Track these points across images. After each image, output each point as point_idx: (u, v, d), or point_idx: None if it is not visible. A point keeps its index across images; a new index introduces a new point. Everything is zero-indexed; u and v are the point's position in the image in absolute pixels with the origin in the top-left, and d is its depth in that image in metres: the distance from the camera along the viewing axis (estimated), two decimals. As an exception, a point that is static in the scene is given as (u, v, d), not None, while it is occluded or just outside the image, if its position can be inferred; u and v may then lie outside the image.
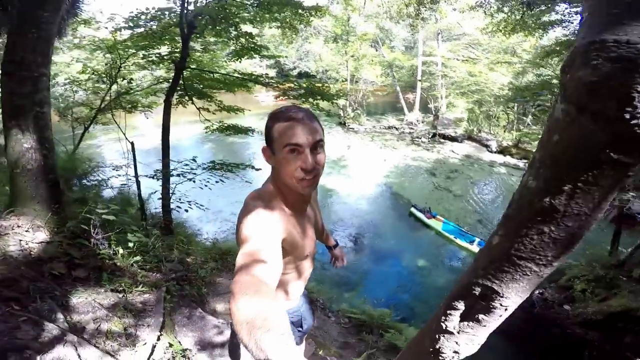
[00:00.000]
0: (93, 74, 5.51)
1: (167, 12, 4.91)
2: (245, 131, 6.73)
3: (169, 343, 2.01)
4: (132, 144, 4.79)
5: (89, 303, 1.93)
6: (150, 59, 5.16)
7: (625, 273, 5.97)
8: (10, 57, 2.45)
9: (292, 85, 6.38)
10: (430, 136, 17.83)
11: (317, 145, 0.99)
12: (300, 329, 1.40)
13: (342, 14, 18.65)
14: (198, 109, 6.27)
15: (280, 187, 1.06)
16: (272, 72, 28.22)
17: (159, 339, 1.95)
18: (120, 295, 2.37)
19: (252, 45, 5.65)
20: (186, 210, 5.47)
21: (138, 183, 5.07)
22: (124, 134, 4.96)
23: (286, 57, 27.91)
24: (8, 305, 1.56)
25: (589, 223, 0.48)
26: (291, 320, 1.30)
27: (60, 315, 1.65)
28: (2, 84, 2.52)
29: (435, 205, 10.63)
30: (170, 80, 5.31)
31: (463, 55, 18.35)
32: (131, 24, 4.77)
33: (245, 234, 0.89)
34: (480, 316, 0.68)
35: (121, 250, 3.07)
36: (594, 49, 0.38)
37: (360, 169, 13.74)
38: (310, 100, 5.97)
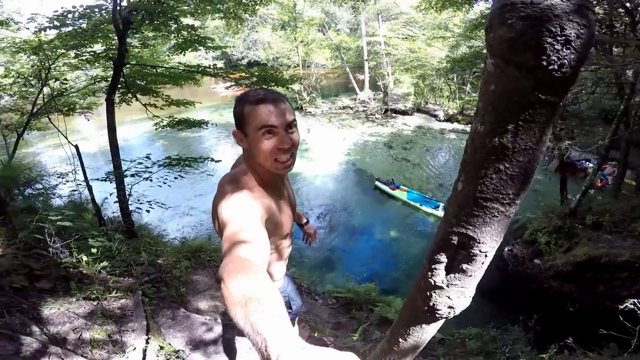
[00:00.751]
0: (18, 77, 4.95)
1: (97, 10, 4.53)
2: (198, 124, 6.50)
3: (159, 346, 1.96)
4: (76, 147, 4.43)
5: (63, 314, 1.82)
6: (83, 57, 4.74)
7: (579, 221, 6.51)
8: None
9: (243, 74, 6.23)
10: (382, 112, 18.41)
11: (291, 125, 0.99)
12: (289, 310, 1.39)
13: (287, 1, 18.31)
14: (144, 105, 5.89)
15: (255, 168, 1.05)
16: (219, 64, 27.08)
17: (147, 342, 1.91)
18: (95, 303, 2.25)
19: (195, 38, 5.40)
20: (147, 211, 5.21)
21: (89, 188, 4.72)
22: (66, 138, 4.58)
23: (233, 47, 26.87)
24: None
25: (536, 157, 0.54)
26: None
27: (35, 328, 1.54)
28: None
29: (397, 176, 11.09)
30: (110, 79, 4.94)
31: (402, 33, 18.94)
32: (57, 23, 4.32)
33: (227, 217, 0.86)
34: (464, 266, 0.68)
35: (85, 257, 2.89)
36: (507, 10, 0.44)
37: (322, 150, 13.88)
38: (264, 87, 5.86)
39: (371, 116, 18.18)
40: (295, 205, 1.51)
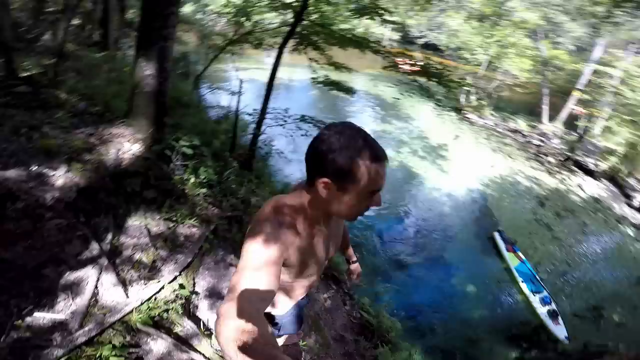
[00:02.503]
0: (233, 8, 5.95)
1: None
2: (346, 90, 6.71)
3: (180, 284, 2.33)
4: (240, 80, 5.23)
5: (139, 228, 2.35)
6: (274, 5, 5.32)
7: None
8: None
9: (409, 57, 5.98)
10: (561, 159, 14.93)
11: None
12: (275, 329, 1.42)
13: (499, -7, 15.59)
14: (310, 59, 6.37)
15: (316, 207, 0.97)
16: (395, 35, 25.73)
17: (175, 278, 2.29)
18: (171, 226, 2.81)
19: (374, 7, 5.29)
20: (267, 153, 5.93)
21: (236, 115, 5.61)
22: (236, 70, 5.43)
23: (412, 23, 24.83)
24: (77, 216, 2.02)
25: None
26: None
27: (109, 236, 2.06)
28: (142, 18, 2.95)
29: (524, 238, 9.32)
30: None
31: (656, 76, 14.01)
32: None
33: (244, 266, 0.84)
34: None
35: (192, 179, 3.54)
36: None
37: (459, 165, 12.55)
38: (417, 79, 5.52)
39: (543, 156, 15.03)
40: (346, 236, 1.50)
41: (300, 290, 1.23)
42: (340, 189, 0.87)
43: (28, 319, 1.74)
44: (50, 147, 2.84)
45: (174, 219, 2.96)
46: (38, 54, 5.01)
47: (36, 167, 2.57)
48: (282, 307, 1.31)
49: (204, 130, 4.99)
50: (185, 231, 3.01)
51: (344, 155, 0.83)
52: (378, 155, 0.85)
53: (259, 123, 5.44)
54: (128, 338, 1.90)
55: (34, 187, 2.41)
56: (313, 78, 6.70)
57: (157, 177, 3.19)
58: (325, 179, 0.86)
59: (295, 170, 7.75)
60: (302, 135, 5.97)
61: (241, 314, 0.73)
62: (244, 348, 0.67)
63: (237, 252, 3.52)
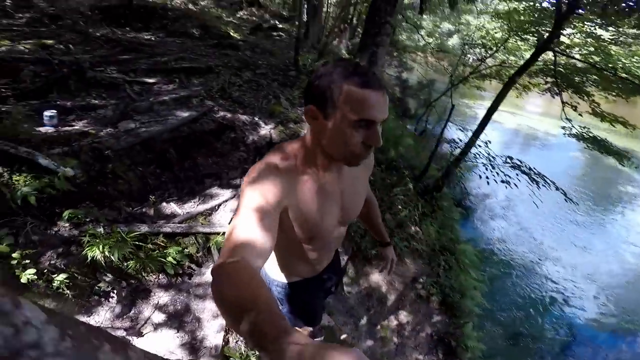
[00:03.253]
0: (486, 36, 5.67)
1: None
2: (617, 154, 4.92)
3: None
4: (452, 105, 4.99)
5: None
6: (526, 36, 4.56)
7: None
8: (373, 3, 3.30)
9: None
10: None
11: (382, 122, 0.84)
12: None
13: None
14: (564, 102, 5.08)
15: (315, 150, 0.91)
16: None
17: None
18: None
19: None
20: (457, 191, 5.36)
21: (438, 140, 5.38)
22: (451, 97, 5.19)
23: None
24: (256, 156, 2.75)
25: None
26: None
27: (177, 209, 2.72)
28: (364, 26, 3.51)
29: None
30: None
31: None
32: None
33: (242, 203, 0.81)
34: None
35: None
36: None
37: None
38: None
39: None
40: (373, 217, 1.38)
41: (312, 256, 1.10)
42: (325, 116, 0.82)
43: (164, 204, 2.61)
44: (274, 111, 3.92)
45: None
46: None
47: (257, 119, 3.66)
48: (286, 275, 1.18)
49: (398, 142, 5.09)
50: None
51: (327, 80, 0.80)
52: (366, 82, 0.77)
53: (461, 155, 5.00)
54: (199, 253, 2.46)
55: (247, 129, 3.48)
56: (564, 127, 5.35)
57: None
58: (310, 106, 0.83)
59: (487, 226, 6.46)
60: (502, 181, 4.91)
61: (226, 251, 0.70)
62: (220, 283, 0.61)
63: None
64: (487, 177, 4.31)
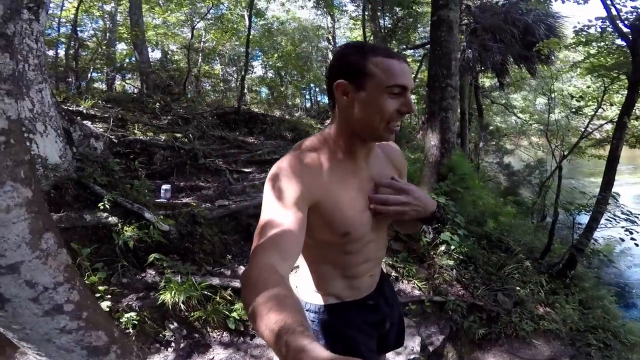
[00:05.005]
0: (585, 96, 5.12)
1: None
2: None
3: None
4: (559, 167, 4.28)
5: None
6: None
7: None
8: (429, 71, 3.39)
9: None
10: None
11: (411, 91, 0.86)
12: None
13: None
14: None
15: (339, 137, 0.88)
16: None
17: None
18: (394, 275, 2.92)
19: None
20: (589, 263, 4.13)
21: (555, 216, 4.45)
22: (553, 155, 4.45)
23: None
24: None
25: None
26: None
27: None
28: (427, 93, 3.56)
29: None
30: None
31: None
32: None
33: (265, 204, 0.80)
34: None
35: (443, 248, 3.35)
36: None
37: None
38: None
39: None
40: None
41: (348, 262, 0.95)
42: (358, 87, 0.82)
43: (240, 267, 2.60)
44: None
45: (402, 271, 3.04)
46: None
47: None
48: (321, 296, 0.99)
49: (485, 209, 4.38)
50: (404, 287, 2.98)
51: (356, 54, 0.82)
52: (391, 53, 0.82)
53: (592, 221, 3.94)
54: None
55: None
56: None
57: (407, 234, 3.41)
58: (341, 80, 0.83)
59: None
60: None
61: (252, 257, 0.68)
62: (247, 293, 0.60)
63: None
64: (633, 239, 3.38)
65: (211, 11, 9.19)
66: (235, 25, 10.10)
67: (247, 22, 7.47)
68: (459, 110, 7.32)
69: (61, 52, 7.29)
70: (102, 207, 2.63)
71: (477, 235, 3.72)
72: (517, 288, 3.18)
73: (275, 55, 11.07)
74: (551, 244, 4.23)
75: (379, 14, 7.95)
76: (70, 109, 4.51)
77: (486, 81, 10.26)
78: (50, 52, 6.92)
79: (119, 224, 2.66)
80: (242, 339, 2.23)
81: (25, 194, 0.90)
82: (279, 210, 0.76)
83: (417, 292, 2.94)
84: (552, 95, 6.04)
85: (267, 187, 0.81)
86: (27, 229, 0.90)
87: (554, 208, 4.30)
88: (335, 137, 0.89)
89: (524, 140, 10.37)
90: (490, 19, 6.41)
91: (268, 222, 0.74)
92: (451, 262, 3.27)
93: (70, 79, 6.20)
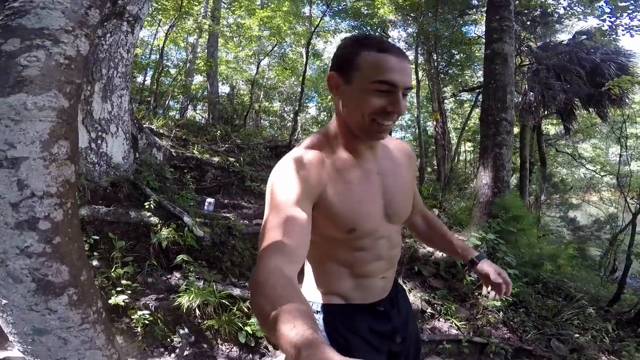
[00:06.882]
0: None
1: None
2: None
3: None
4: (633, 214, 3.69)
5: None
6: None
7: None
8: (482, 105, 3.19)
9: None
10: None
11: (406, 92, 0.80)
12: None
13: None
14: None
15: (338, 131, 0.87)
16: None
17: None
18: (430, 313, 2.60)
19: None
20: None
21: (628, 261, 3.67)
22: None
23: None
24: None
25: None
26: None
27: None
28: (480, 128, 3.33)
29: None
30: None
31: None
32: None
33: (268, 203, 0.78)
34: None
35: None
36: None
37: None
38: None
39: None
40: (428, 220, 1.15)
41: (356, 259, 0.88)
42: (346, 80, 0.81)
43: None
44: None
45: (439, 308, 2.73)
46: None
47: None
48: (323, 293, 0.92)
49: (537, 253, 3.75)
50: (440, 325, 2.65)
51: (347, 47, 0.83)
52: (386, 47, 0.78)
53: None
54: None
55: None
56: None
57: (450, 271, 3.12)
58: (332, 73, 0.84)
59: None
60: None
61: (258, 260, 0.66)
62: (255, 296, 0.59)
63: None
64: None
65: (275, 49, 10.00)
66: (294, 64, 10.75)
67: (304, 60, 7.98)
68: (519, 160, 6.80)
69: (147, 80, 8.34)
70: (147, 207, 2.79)
71: (532, 278, 3.38)
72: (576, 335, 2.78)
73: (330, 97, 11.58)
74: (622, 292, 3.60)
75: (434, 56, 8.00)
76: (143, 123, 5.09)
77: (551, 128, 9.48)
78: (139, 79, 8.01)
79: (159, 225, 2.78)
80: (250, 356, 2.09)
81: (63, 104, 0.94)
82: (282, 210, 0.73)
83: (454, 332, 2.59)
84: (627, 143, 5.34)
85: (269, 188, 0.80)
86: (48, 129, 0.91)
87: (626, 256, 3.67)
88: (335, 132, 0.88)
89: (593, 195, 9.16)
90: (553, 59, 6.02)
91: (272, 224, 0.72)
92: (498, 303, 2.88)
93: (150, 100, 7.06)
